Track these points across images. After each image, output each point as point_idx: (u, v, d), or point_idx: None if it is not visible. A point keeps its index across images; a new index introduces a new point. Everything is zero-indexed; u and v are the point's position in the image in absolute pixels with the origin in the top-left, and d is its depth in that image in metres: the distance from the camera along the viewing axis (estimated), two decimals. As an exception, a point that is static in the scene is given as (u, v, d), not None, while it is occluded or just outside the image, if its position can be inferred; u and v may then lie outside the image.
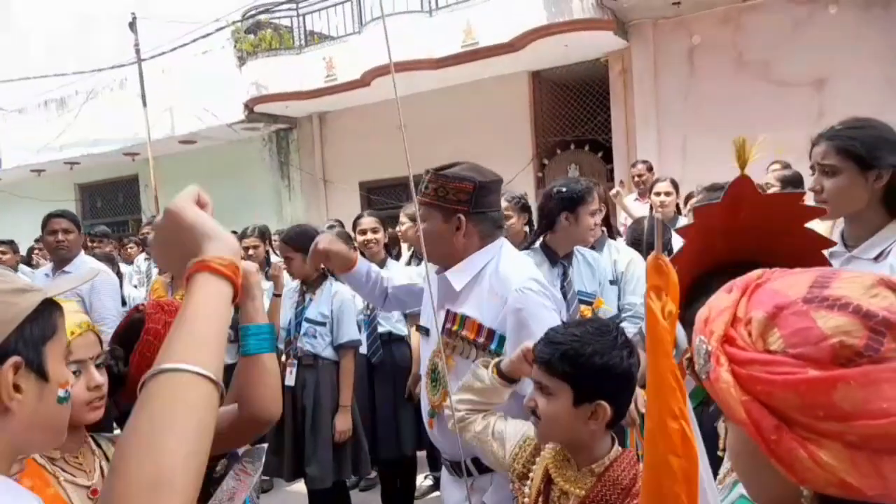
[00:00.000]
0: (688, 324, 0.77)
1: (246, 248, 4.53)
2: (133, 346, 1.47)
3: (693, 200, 3.53)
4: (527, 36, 7.36)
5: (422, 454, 4.02)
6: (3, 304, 0.79)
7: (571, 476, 1.39)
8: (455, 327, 1.85)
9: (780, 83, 6.90)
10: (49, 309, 0.84)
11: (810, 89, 6.78)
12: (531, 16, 7.29)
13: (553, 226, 2.69)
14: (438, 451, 2.05)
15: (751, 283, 0.65)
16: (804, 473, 0.56)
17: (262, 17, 9.90)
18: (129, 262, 6.82)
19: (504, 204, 3.29)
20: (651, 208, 4.84)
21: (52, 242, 3.73)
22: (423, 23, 8.09)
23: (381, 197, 9.85)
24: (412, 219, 4.00)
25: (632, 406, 1.76)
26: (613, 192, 5.46)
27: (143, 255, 6.60)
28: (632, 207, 5.70)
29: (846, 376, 0.54)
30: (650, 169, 5.74)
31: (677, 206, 4.67)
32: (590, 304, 2.73)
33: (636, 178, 5.74)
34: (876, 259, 1.70)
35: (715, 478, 0.91)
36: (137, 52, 9.84)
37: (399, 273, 3.23)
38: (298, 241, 3.33)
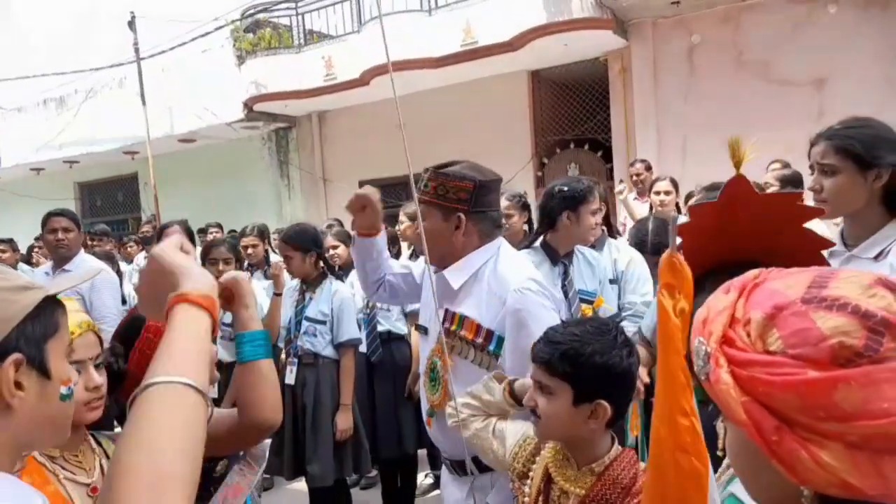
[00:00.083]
0: None
1: (245, 247, 4.53)
2: (134, 344, 1.47)
3: (692, 200, 3.53)
4: (526, 35, 7.35)
5: (422, 452, 4.02)
6: (3, 301, 0.79)
7: (571, 475, 1.39)
8: (453, 327, 1.84)
9: (780, 82, 6.90)
10: (51, 306, 0.84)
11: (810, 88, 6.79)
12: (530, 15, 7.28)
13: (554, 224, 2.70)
14: (438, 450, 2.05)
15: (748, 283, 0.65)
16: (805, 474, 0.56)
17: (262, 16, 9.89)
18: (129, 260, 6.82)
19: (505, 203, 3.29)
20: (651, 208, 4.84)
21: (51, 241, 3.73)
22: (422, 22, 8.09)
23: (381, 196, 9.84)
24: (411, 218, 4.01)
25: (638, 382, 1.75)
26: (619, 190, 5.44)
27: (143, 254, 6.60)
28: (632, 207, 5.70)
29: (846, 377, 0.54)
30: (648, 168, 5.74)
31: (677, 205, 4.67)
32: (590, 303, 2.73)
33: (634, 178, 5.74)
34: (876, 258, 1.70)
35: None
36: (136, 50, 9.83)
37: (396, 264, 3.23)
38: (298, 240, 3.33)
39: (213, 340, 0.91)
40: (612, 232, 3.30)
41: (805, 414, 0.55)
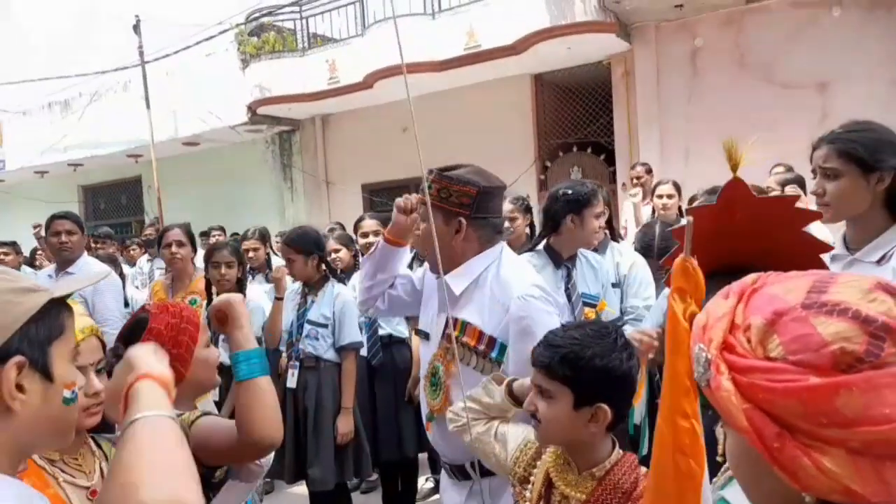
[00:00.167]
0: None
1: (246, 251, 4.54)
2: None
3: (695, 203, 3.52)
4: (529, 38, 7.36)
5: (423, 456, 4.02)
6: (6, 303, 0.78)
7: (572, 480, 1.38)
8: (455, 333, 1.84)
9: (783, 85, 6.89)
10: (57, 309, 0.84)
11: (813, 92, 6.77)
12: (534, 18, 7.29)
13: (558, 228, 2.69)
14: (438, 454, 2.04)
15: (746, 288, 0.65)
16: (807, 481, 0.55)
17: (266, 19, 9.92)
18: (132, 263, 6.84)
19: (509, 206, 3.30)
20: (653, 211, 4.84)
21: (55, 243, 3.74)
22: (425, 25, 8.10)
23: (383, 199, 9.86)
24: (414, 221, 4.00)
25: (642, 339, 1.73)
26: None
27: (146, 257, 6.62)
28: (631, 210, 5.69)
29: (848, 383, 0.54)
30: (649, 171, 5.74)
31: (680, 208, 4.66)
32: (593, 306, 2.72)
33: (635, 181, 5.73)
34: (879, 262, 1.70)
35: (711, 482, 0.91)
36: (141, 54, 9.87)
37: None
38: (300, 242, 3.34)
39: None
40: (615, 235, 3.30)
41: (807, 420, 0.55)
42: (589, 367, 1.30)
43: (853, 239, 1.79)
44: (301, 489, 3.60)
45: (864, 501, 0.54)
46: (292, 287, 3.60)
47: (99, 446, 1.34)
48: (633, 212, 5.44)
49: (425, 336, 2.02)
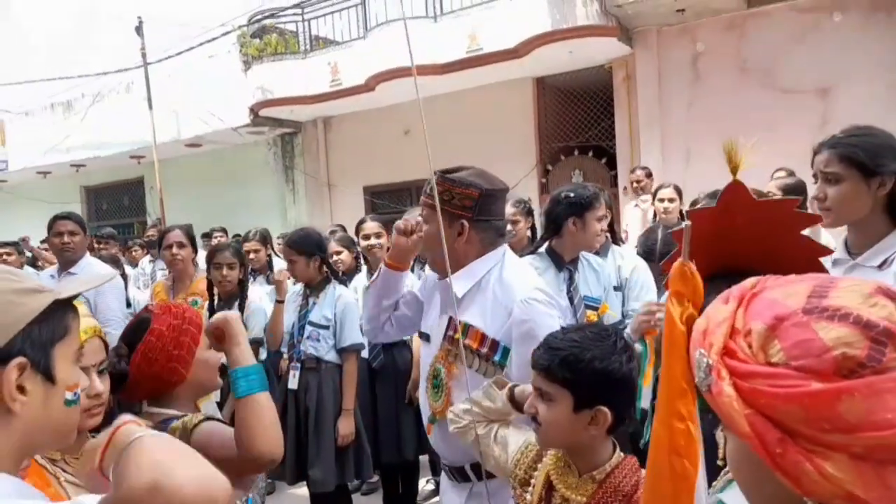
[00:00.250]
0: None
1: (247, 252, 4.54)
2: (137, 346, 1.48)
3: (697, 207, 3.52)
4: (531, 42, 7.37)
5: (424, 458, 4.01)
6: (9, 303, 0.78)
7: (573, 482, 1.38)
8: (457, 335, 1.83)
9: (785, 90, 6.90)
10: (62, 310, 0.84)
11: (814, 97, 6.78)
12: (535, 22, 7.30)
13: (560, 231, 2.69)
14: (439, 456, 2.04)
15: (746, 292, 0.65)
16: (810, 486, 0.55)
17: (268, 21, 9.94)
18: (134, 264, 6.85)
19: (511, 209, 3.30)
20: (655, 215, 4.84)
21: (57, 244, 3.75)
22: (427, 28, 8.12)
23: (385, 201, 9.87)
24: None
25: (649, 311, 1.72)
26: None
27: (148, 258, 6.63)
28: (632, 214, 5.69)
29: (850, 388, 0.54)
30: (649, 175, 5.74)
31: (681, 212, 4.66)
32: (595, 309, 2.72)
33: (635, 184, 5.73)
34: (880, 267, 1.70)
35: (710, 486, 0.91)
36: (143, 55, 9.89)
37: None
38: (302, 244, 3.34)
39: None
40: (616, 239, 3.30)
41: (809, 426, 0.55)
42: (588, 370, 1.30)
43: (854, 243, 1.79)
44: (302, 490, 3.60)
45: None
46: (294, 289, 3.60)
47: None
48: (641, 217, 5.44)
49: (426, 338, 2.02)
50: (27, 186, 12.83)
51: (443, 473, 2.00)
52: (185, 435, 1.38)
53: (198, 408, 1.63)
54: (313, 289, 3.39)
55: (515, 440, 1.55)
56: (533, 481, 1.47)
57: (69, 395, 0.84)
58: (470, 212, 1.81)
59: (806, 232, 0.98)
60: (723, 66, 7.23)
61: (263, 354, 3.78)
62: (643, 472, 1.37)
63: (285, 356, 3.45)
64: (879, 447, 0.53)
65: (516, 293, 1.77)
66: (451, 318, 1.86)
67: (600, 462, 1.38)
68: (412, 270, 4.04)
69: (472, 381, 1.72)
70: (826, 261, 1.75)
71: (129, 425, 0.87)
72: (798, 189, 3.70)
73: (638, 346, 2.23)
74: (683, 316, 0.82)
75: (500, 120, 8.66)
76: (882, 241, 1.72)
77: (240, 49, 9.73)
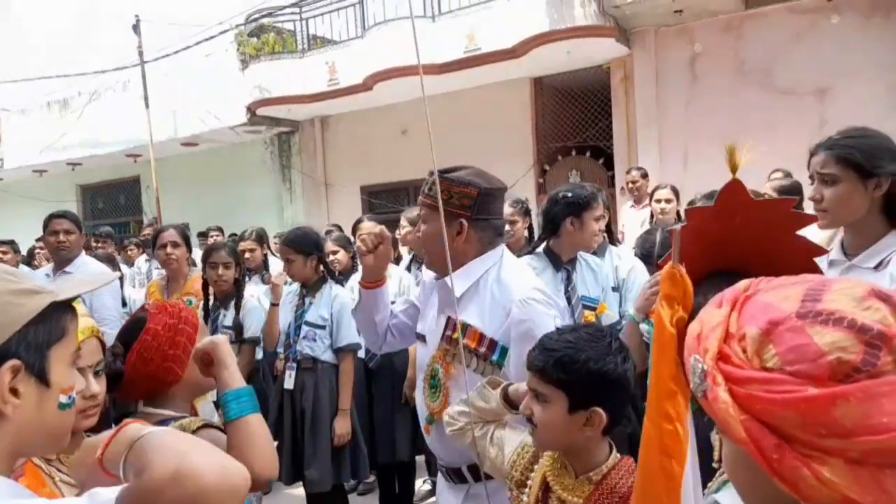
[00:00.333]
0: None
1: (243, 251, 4.53)
2: (132, 346, 1.47)
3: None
4: (529, 42, 7.37)
5: (420, 458, 4.01)
6: (6, 304, 0.77)
7: (569, 484, 1.38)
8: (456, 335, 1.83)
9: (782, 91, 6.91)
10: (60, 312, 0.83)
11: (812, 98, 6.80)
12: (533, 22, 7.30)
13: (557, 230, 2.69)
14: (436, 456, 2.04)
15: (739, 296, 0.64)
16: (807, 491, 0.55)
17: (265, 20, 9.92)
18: (130, 263, 6.83)
19: (509, 210, 3.30)
20: (651, 216, 4.84)
21: (53, 243, 3.74)
22: (425, 28, 8.11)
23: (382, 201, 9.87)
24: (412, 223, 4.01)
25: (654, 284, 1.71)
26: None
27: (144, 257, 6.61)
28: (627, 214, 5.69)
29: (846, 393, 0.54)
30: (645, 175, 5.74)
31: (678, 213, 4.67)
32: (593, 309, 2.72)
33: (630, 185, 5.73)
34: (876, 268, 1.70)
35: (705, 487, 0.91)
36: (140, 54, 9.87)
37: (393, 286, 3.20)
38: (300, 243, 3.34)
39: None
40: (613, 239, 3.30)
41: (805, 431, 0.55)
42: (583, 371, 1.30)
43: (851, 245, 1.80)
44: (298, 490, 3.60)
45: None
46: (290, 288, 3.60)
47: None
48: (639, 219, 5.44)
49: (422, 339, 2.02)
50: (23, 185, 12.80)
51: (439, 474, 1.99)
52: None
53: (194, 408, 1.62)
54: (310, 289, 3.39)
55: (512, 441, 1.55)
56: (529, 483, 1.47)
57: (64, 399, 0.83)
58: (469, 211, 1.81)
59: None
60: (720, 66, 7.24)
61: (260, 354, 3.78)
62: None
63: (281, 356, 3.44)
64: (876, 451, 0.53)
65: (515, 293, 1.77)
66: (449, 318, 1.85)
67: (597, 463, 1.37)
68: (408, 270, 4.06)
69: (470, 381, 1.72)
70: (822, 262, 1.76)
71: (135, 423, 0.88)
72: (794, 190, 3.72)
73: (644, 326, 2.23)
74: (673, 319, 0.82)
75: (497, 120, 8.66)
76: (878, 243, 1.72)
77: (237, 48, 9.71)
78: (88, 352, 1.27)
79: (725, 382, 0.59)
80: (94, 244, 6.71)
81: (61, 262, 3.76)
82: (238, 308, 3.53)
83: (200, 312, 3.34)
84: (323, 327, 3.30)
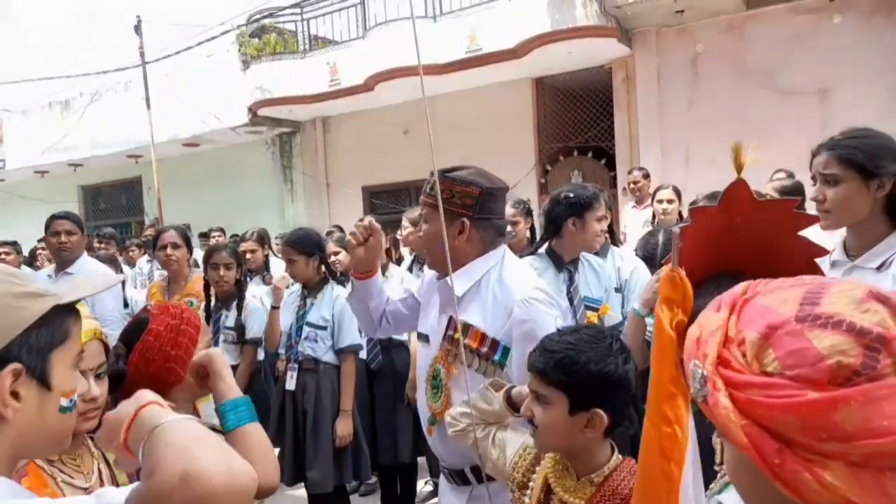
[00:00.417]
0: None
1: (244, 252, 4.54)
2: (135, 346, 1.47)
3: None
4: (530, 42, 7.37)
5: (422, 460, 4.01)
6: (8, 307, 0.77)
7: (571, 486, 1.38)
8: (457, 335, 1.83)
9: (784, 92, 6.90)
10: (63, 314, 0.82)
11: (814, 98, 6.79)
12: (535, 22, 7.30)
13: (560, 231, 2.69)
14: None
15: (738, 299, 0.64)
16: (809, 495, 0.55)
17: (267, 21, 9.93)
18: (131, 264, 6.84)
19: (511, 210, 3.29)
20: (653, 216, 4.84)
21: (54, 244, 3.74)
22: (427, 28, 8.12)
23: (384, 201, 9.87)
24: (414, 223, 4.01)
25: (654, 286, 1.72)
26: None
27: (146, 258, 6.62)
28: (629, 215, 5.68)
29: (846, 397, 0.53)
30: (646, 176, 5.73)
31: (680, 213, 4.66)
32: (596, 310, 2.71)
33: (632, 185, 5.72)
34: (878, 269, 1.70)
35: (707, 489, 0.91)
36: (142, 54, 9.88)
37: (395, 286, 3.20)
38: (302, 243, 3.34)
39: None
40: (615, 240, 3.29)
41: (806, 435, 0.55)
42: (583, 372, 1.30)
43: (853, 245, 1.79)
44: (300, 492, 3.60)
45: None
46: (291, 289, 3.60)
47: (97, 447, 1.34)
48: (641, 220, 5.43)
49: (425, 339, 2.01)
50: (25, 186, 12.81)
51: (441, 476, 1.99)
52: None
53: (196, 409, 1.62)
54: (311, 289, 3.39)
55: (513, 443, 1.55)
56: (531, 484, 1.47)
57: (65, 402, 0.83)
58: (470, 210, 1.81)
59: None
60: (722, 67, 7.23)
61: (262, 355, 3.78)
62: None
63: (283, 357, 3.44)
64: (877, 454, 0.53)
65: (516, 293, 1.77)
66: (451, 318, 1.85)
67: (598, 465, 1.37)
68: (410, 270, 4.06)
69: (471, 382, 1.72)
70: (824, 262, 1.75)
71: (154, 406, 0.87)
72: (796, 191, 3.71)
73: (649, 320, 2.23)
74: (673, 321, 0.82)
75: (499, 120, 8.66)
76: (881, 243, 1.72)
77: (238, 48, 9.72)
78: (91, 354, 1.27)
79: (725, 387, 0.59)
80: (96, 245, 6.71)
81: (63, 262, 3.76)
82: (240, 309, 3.53)
83: (202, 313, 3.35)
84: (324, 328, 3.30)
